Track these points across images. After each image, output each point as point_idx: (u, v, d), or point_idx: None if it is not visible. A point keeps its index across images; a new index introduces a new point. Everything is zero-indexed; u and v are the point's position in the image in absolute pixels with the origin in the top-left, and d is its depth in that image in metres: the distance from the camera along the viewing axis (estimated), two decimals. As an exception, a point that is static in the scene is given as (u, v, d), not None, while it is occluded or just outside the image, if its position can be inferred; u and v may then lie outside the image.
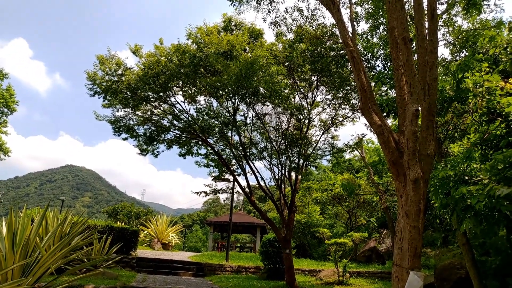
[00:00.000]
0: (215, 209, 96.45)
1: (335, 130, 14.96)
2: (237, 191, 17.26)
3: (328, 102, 14.75)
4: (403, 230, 4.92)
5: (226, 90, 11.81)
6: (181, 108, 14.01)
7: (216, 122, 14.06)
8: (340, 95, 14.32)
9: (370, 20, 13.62)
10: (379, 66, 12.85)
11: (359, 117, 14.34)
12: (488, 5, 8.47)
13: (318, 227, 21.93)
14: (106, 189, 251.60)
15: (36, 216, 9.94)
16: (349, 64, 13.27)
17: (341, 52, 12.49)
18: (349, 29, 7.97)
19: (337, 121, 14.94)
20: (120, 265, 13.98)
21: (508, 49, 6.73)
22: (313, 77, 14.11)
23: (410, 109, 5.00)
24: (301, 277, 15.73)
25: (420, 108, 5.08)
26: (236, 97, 12.58)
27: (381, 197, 17.35)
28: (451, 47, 12.26)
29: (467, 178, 6.56)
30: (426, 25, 5.70)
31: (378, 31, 13.68)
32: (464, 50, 9.77)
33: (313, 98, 14.00)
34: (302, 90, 14.24)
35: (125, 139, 14.42)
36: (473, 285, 11.43)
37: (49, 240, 7.49)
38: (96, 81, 12.71)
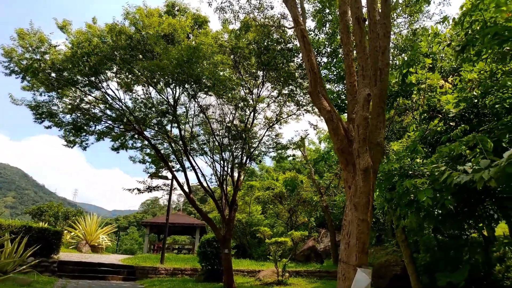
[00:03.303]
0: (153, 210, 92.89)
1: (280, 128, 14.68)
2: (174, 188, 16.23)
3: (274, 98, 14.40)
4: (351, 223, 4.53)
5: (166, 77, 10.84)
6: (114, 96, 12.75)
7: (153, 111, 12.98)
8: (286, 92, 14.04)
9: (317, 17, 13.56)
10: (324, 63, 12.76)
11: (303, 114, 14.18)
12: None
13: (259, 226, 21.59)
14: (33, 189, 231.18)
15: None
16: (295, 59, 13.06)
17: (288, 45, 12.18)
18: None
19: (281, 118, 14.65)
20: (38, 269, 12.34)
21: (452, 44, 6.77)
22: (259, 72, 13.67)
23: (362, 93, 4.64)
24: (240, 278, 15.20)
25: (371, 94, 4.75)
26: (176, 85, 11.67)
27: (322, 196, 17.43)
28: (392, 50, 12.55)
29: (411, 172, 6.45)
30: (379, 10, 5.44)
31: (324, 28, 13.65)
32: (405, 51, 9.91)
33: (258, 94, 13.54)
34: (247, 85, 13.71)
35: (49, 127, 12.78)
36: (408, 282, 11.69)
37: None
38: (13, 58, 11.04)
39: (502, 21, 6.05)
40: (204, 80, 10.75)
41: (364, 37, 4.96)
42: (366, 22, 5.15)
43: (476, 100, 7.55)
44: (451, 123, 7.89)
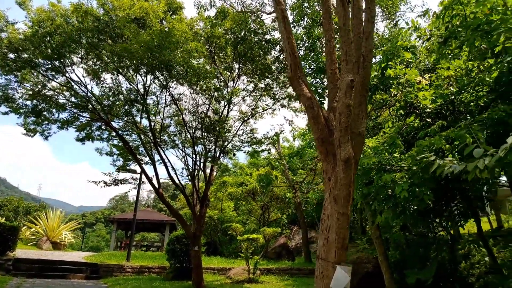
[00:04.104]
0: (122, 206, 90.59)
1: (255, 123, 14.33)
2: (143, 182, 15.52)
3: (249, 92, 14.02)
4: (330, 218, 4.25)
5: (135, 62, 10.20)
6: (79, 81, 11.95)
7: (121, 99, 12.27)
8: (262, 85, 13.70)
9: (295, 11, 13.33)
10: (301, 55, 12.51)
11: (279, 109, 13.88)
12: None
13: (231, 223, 21.23)
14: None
15: None
16: (273, 52, 12.74)
17: (266, 37, 11.84)
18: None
19: (256, 113, 14.30)
20: (-10, 268, 11.45)
21: (433, 38, 6.66)
22: (235, 64, 13.25)
23: (345, 80, 4.36)
24: (210, 276, 14.80)
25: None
26: (147, 72, 11.02)
27: (295, 192, 17.28)
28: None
29: (388, 167, 6.29)
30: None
31: (302, 22, 13.43)
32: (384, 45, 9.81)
33: (233, 87, 13.11)
34: (223, 77, 13.25)
35: (5, 113, 11.80)
36: (379, 279, 11.68)
37: None
38: (-37, 35, 10.09)
39: (481, 16, 5.98)
40: (176, 67, 10.20)
41: (348, 19, 4.69)
42: (350, 6, 4.88)
43: (453, 97, 7.52)
44: (427, 119, 7.84)
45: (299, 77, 4.87)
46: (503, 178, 10.61)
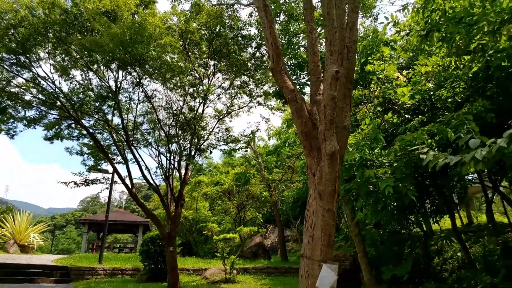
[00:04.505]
0: (93, 208, 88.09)
1: (230, 121, 14.03)
2: (115, 181, 14.94)
3: (225, 90, 13.71)
4: (315, 214, 4.07)
5: (106, 56, 9.67)
6: (46, 77, 11.29)
7: (92, 96, 11.69)
8: (238, 82, 13.43)
9: (272, 6, 13.12)
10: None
11: (255, 106, 13.67)
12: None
13: (206, 223, 20.86)
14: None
15: None
16: (249, 48, 12.50)
17: (242, 32, 11.58)
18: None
19: (232, 111, 14.01)
20: None
21: (412, 32, 6.64)
22: (210, 61, 12.90)
23: (330, 71, 4.18)
24: (185, 277, 14.44)
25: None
26: (119, 68, 10.52)
27: (273, 190, 17.18)
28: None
29: (370, 163, 6.20)
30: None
31: (278, 19, 13.26)
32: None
33: (209, 84, 12.77)
34: (198, 74, 12.87)
35: (-36, 110, 11.00)
36: (356, 275, 11.71)
37: None
38: None
39: (460, 9, 5.99)
40: (149, 63, 9.76)
41: (332, 8, 4.52)
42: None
43: (431, 93, 7.55)
44: (406, 116, 7.84)
45: (282, 68, 4.66)
46: (473, 176, 10.90)
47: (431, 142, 5.35)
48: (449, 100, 7.65)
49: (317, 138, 4.35)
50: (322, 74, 4.65)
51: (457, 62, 7.90)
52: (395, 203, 6.61)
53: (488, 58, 5.84)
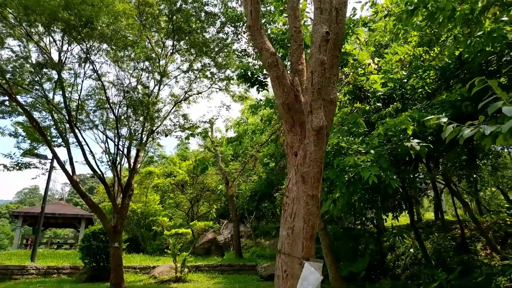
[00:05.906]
0: (32, 200, 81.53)
1: (188, 107, 13.05)
2: (54, 167, 13.34)
3: (183, 72, 12.66)
4: (296, 201, 3.37)
5: (46, 15, 8.23)
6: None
7: (28, 64, 10.11)
8: (198, 65, 12.48)
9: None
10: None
11: (216, 91, 12.80)
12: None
13: (156, 217, 19.56)
14: None
15: None
16: (212, 28, 11.58)
17: (207, 8, 10.64)
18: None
19: (190, 96, 13.01)
20: None
21: (388, 17, 6.21)
22: (169, 41, 11.81)
23: (319, 31, 3.50)
24: (131, 276, 13.29)
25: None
26: (62, 30, 9.03)
27: (232, 182, 16.50)
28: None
29: (346, 150, 5.66)
30: None
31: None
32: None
33: (166, 62, 11.67)
34: (155, 53, 11.70)
35: None
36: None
37: None
38: None
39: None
40: (98, 28, 8.51)
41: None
42: None
43: (405, 80, 7.22)
44: (378, 104, 7.46)
45: (261, 27, 3.91)
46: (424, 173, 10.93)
47: (414, 127, 4.92)
48: (420, 90, 7.39)
49: (300, 111, 3.65)
50: (308, 37, 3.96)
51: (429, 52, 7.67)
52: (372, 195, 6.18)
53: (469, 43, 5.54)
